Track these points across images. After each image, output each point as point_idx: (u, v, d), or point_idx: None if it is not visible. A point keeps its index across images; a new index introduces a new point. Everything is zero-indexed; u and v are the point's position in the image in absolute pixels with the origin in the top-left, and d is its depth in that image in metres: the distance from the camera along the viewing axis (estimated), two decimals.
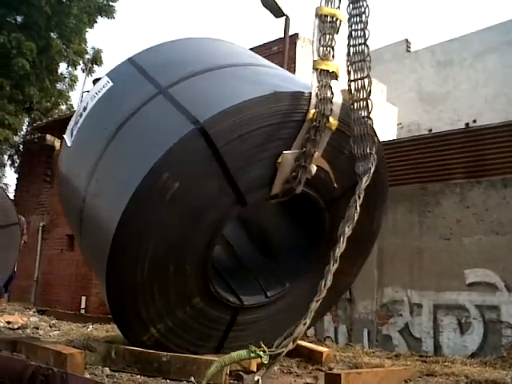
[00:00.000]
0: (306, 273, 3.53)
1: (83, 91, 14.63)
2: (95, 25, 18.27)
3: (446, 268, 6.97)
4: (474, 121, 13.61)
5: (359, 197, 2.76)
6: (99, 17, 18.09)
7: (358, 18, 3.22)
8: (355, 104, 3.12)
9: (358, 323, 7.69)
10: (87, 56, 18.22)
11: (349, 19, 3.24)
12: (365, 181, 2.85)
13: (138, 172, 2.79)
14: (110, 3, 18.07)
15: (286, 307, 3.54)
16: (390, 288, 7.46)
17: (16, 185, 17.99)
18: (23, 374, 2.40)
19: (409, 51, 17.21)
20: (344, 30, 3.28)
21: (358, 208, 2.73)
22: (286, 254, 3.72)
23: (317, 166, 3.18)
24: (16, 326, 5.23)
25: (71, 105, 19.21)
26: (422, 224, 7.37)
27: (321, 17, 3.22)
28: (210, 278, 3.13)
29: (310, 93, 3.06)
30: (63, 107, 19.56)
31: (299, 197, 3.26)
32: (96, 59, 18.22)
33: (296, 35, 11.74)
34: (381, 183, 3.58)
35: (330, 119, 3.08)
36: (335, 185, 3.35)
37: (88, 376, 2.65)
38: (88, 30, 18.03)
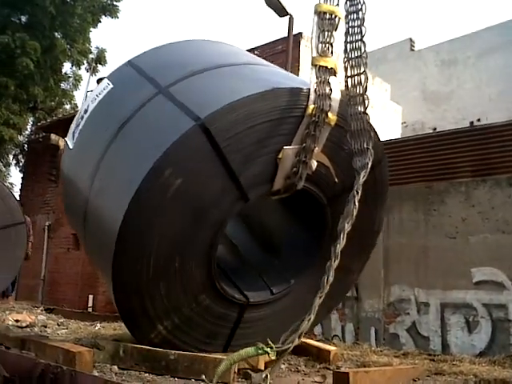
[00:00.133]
0: (310, 269, 3.53)
1: (87, 91, 14.63)
2: (99, 24, 18.39)
3: (452, 266, 6.96)
4: (479, 120, 13.58)
5: (357, 192, 2.80)
6: (103, 16, 18.17)
7: (355, 15, 3.26)
8: (352, 100, 3.15)
9: (365, 322, 7.68)
10: (91, 55, 18.32)
11: (346, 16, 3.29)
12: (362, 176, 2.87)
13: (140, 170, 2.81)
14: (114, 3, 18.15)
15: (292, 304, 3.53)
16: (396, 286, 7.45)
17: (21, 184, 18.06)
18: (33, 372, 2.41)
19: (413, 50, 17.20)
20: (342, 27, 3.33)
21: (357, 203, 2.76)
22: (289, 251, 3.73)
23: (317, 161, 3.22)
24: (24, 325, 5.24)
25: (75, 104, 19.26)
26: (427, 223, 7.36)
27: (320, 14, 3.27)
28: (214, 274, 3.14)
29: (309, 89, 3.10)
30: (67, 106, 19.66)
31: (301, 193, 3.28)
32: (100, 59, 18.30)
33: (300, 34, 11.74)
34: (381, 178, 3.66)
35: (329, 114, 3.12)
36: (336, 180, 3.38)
37: (96, 374, 2.65)
38: (92, 29, 18.15)
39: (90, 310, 12.34)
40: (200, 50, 3.87)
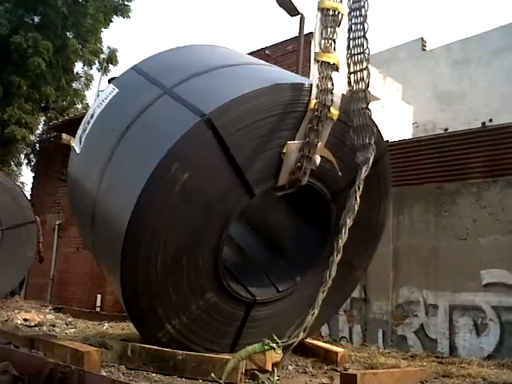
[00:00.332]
0: (316, 266, 3.54)
1: (99, 90, 14.74)
2: (111, 24, 18.44)
3: (461, 268, 6.89)
4: (491, 120, 13.45)
5: (359, 187, 2.85)
6: (115, 16, 18.25)
7: (358, 11, 3.31)
8: (354, 95, 3.21)
9: (372, 323, 7.64)
10: (103, 55, 18.40)
11: (349, 13, 3.35)
12: (364, 170, 2.93)
13: (147, 167, 2.85)
14: (126, 3, 18.23)
15: (298, 302, 3.54)
16: (405, 288, 7.40)
17: (32, 183, 18.15)
18: (41, 371, 2.43)
19: (424, 50, 17.09)
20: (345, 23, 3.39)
21: (358, 198, 2.80)
22: (294, 248, 3.76)
23: (321, 156, 3.25)
24: (33, 324, 5.30)
25: (87, 104, 19.34)
26: (438, 224, 7.30)
27: (323, 10, 3.34)
28: (221, 272, 3.16)
29: (311, 84, 3.15)
30: (79, 106, 19.74)
31: (306, 190, 3.31)
32: (111, 59, 18.38)
33: (311, 34, 11.68)
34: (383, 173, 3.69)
35: (331, 109, 3.18)
36: (340, 173, 3.41)
37: (104, 374, 2.67)
38: (104, 29, 18.21)
39: (98, 309, 12.38)
40: (201, 54, 3.98)
